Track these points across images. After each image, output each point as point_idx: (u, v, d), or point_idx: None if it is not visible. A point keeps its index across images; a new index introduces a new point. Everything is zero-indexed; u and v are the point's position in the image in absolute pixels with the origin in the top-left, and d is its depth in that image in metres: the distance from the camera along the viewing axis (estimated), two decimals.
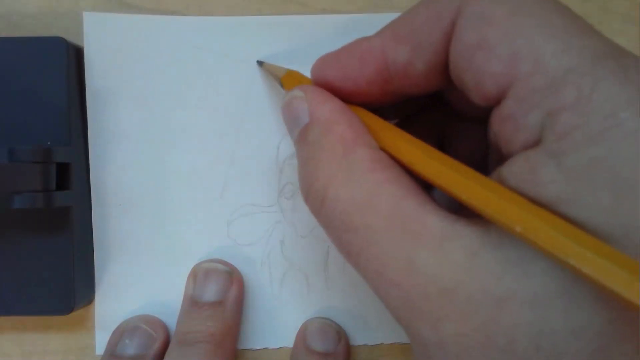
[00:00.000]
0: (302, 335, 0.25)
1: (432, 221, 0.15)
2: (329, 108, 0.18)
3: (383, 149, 0.17)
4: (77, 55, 0.25)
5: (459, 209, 0.16)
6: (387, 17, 0.25)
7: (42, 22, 0.26)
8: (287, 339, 0.26)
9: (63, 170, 0.24)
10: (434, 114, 0.22)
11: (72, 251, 0.24)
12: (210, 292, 0.24)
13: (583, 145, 0.13)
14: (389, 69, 0.18)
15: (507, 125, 0.15)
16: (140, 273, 0.26)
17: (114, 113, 0.25)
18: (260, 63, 0.25)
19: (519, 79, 0.15)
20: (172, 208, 0.26)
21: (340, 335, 0.25)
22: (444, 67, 0.17)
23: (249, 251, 0.26)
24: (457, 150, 0.22)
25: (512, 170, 0.15)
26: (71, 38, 0.25)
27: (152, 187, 0.25)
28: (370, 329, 0.26)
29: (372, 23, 0.25)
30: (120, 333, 0.25)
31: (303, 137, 0.19)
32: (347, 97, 0.19)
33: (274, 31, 0.25)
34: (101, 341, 0.25)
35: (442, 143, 0.22)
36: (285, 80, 0.22)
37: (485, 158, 0.20)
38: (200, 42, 0.25)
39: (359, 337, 0.26)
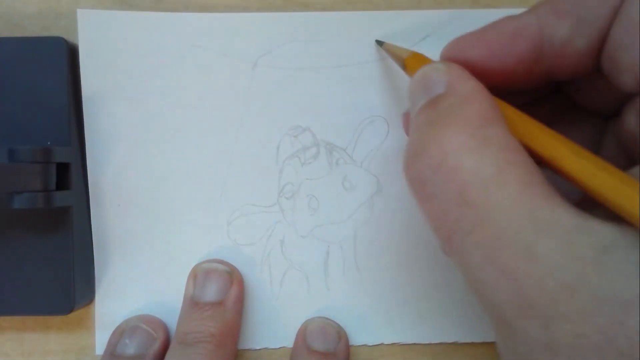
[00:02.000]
0: (302, 335, 0.25)
1: (563, 212, 0.14)
2: (472, 84, 0.17)
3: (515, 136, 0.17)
4: (76, 55, 0.25)
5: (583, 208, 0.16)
6: (388, 15, 0.25)
7: (42, 22, 0.26)
8: (287, 339, 0.26)
9: (63, 170, 0.24)
10: (547, 104, 0.21)
11: (72, 251, 0.24)
12: (211, 292, 0.24)
13: None
14: (543, 47, 0.17)
15: None
16: (140, 273, 0.26)
17: (110, 112, 0.25)
18: (380, 43, 0.24)
19: None
20: (172, 208, 0.25)
21: (340, 335, 0.25)
22: (601, 47, 0.16)
23: (249, 251, 0.26)
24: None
25: None
26: (71, 38, 0.25)
27: (152, 187, 0.25)
28: (370, 329, 0.26)
29: (373, 21, 0.25)
30: (120, 333, 0.25)
31: (432, 104, 0.17)
32: (487, 78, 0.18)
33: (275, 28, 0.25)
34: (101, 341, 0.25)
35: None
36: (409, 62, 0.21)
37: (598, 152, 0.19)
38: (199, 39, 0.25)
39: (359, 337, 0.26)
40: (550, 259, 0.14)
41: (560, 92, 0.21)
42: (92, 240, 0.25)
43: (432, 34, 0.25)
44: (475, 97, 0.17)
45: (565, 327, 0.14)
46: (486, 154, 0.15)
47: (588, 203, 0.16)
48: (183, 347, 0.23)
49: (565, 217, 0.14)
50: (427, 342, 0.26)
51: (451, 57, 0.19)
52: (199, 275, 0.25)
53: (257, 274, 0.26)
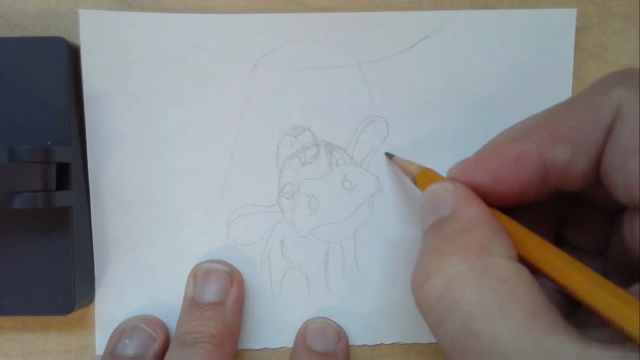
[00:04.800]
0: (302, 335, 0.25)
1: (566, 340, 0.15)
2: (475, 210, 0.18)
3: (523, 257, 0.17)
4: (76, 55, 0.25)
5: (587, 324, 0.16)
6: (388, 15, 0.25)
7: (42, 22, 0.26)
8: (287, 339, 0.26)
9: (63, 170, 0.24)
10: (557, 199, 0.21)
11: (72, 251, 0.24)
12: (211, 292, 0.24)
13: None
14: (547, 170, 0.18)
15: None
16: (140, 273, 0.26)
17: (111, 112, 0.25)
18: (389, 156, 0.25)
19: None
20: (172, 208, 0.25)
21: (340, 335, 0.25)
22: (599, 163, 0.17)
23: (249, 251, 0.26)
24: (577, 236, 0.21)
25: None
26: (71, 38, 0.25)
27: (152, 187, 0.25)
28: (370, 329, 0.26)
29: (373, 21, 0.25)
30: (120, 333, 0.25)
31: (437, 226, 0.18)
32: (495, 198, 0.19)
33: (275, 29, 0.25)
34: (101, 341, 0.25)
35: (560, 227, 0.22)
36: (420, 178, 0.22)
37: (606, 246, 0.20)
38: (199, 40, 0.25)
39: (359, 337, 0.26)
40: None
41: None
42: (92, 240, 0.25)
43: (432, 34, 0.25)
44: (477, 224, 0.17)
45: None
46: (486, 285, 0.16)
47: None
48: (183, 347, 0.23)
49: (570, 346, 0.15)
50: (427, 342, 0.26)
51: (459, 179, 0.19)
52: (199, 275, 0.25)
53: (257, 274, 0.26)
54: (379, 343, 0.26)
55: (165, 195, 0.25)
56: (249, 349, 0.26)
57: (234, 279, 0.25)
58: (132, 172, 0.25)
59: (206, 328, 0.23)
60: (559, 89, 0.26)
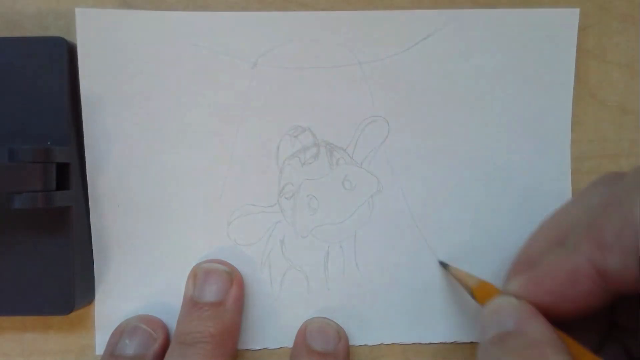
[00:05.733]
0: (302, 335, 0.25)
1: None
2: (540, 328, 0.18)
3: None
4: (76, 55, 0.25)
5: None
6: (388, 15, 0.25)
7: (42, 22, 0.26)
8: (287, 339, 0.26)
9: (63, 170, 0.24)
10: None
11: (72, 251, 0.24)
12: (210, 292, 0.24)
13: None
14: (602, 279, 0.18)
15: None
16: (140, 273, 0.26)
17: (109, 112, 0.25)
18: (444, 265, 0.25)
19: None
20: (172, 208, 0.25)
21: (340, 335, 0.25)
22: None
23: (249, 251, 0.26)
24: (629, 324, 0.21)
25: None
26: (70, 38, 0.25)
27: (151, 187, 0.25)
28: (370, 329, 0.26)
29: (373, 21, 0.25)
30: (120, 333, 0.25)
31: (501, 340, 0.19)
32: (558, 314, 0.19)
33: (275, 28, 0.25)
34: (101, 341, 0.25)
35: (612, 315, 0.22)
36: (478, 291, 0.22)
37: None
38: (198, 39, 0.25)
39: (359, 337, 0.26)
40: None
41: None
42: (92, 240, 0.25)
43: (432, 34, 0.25)
44: (542, 342, 0.18)
45: None
46: None
47: None
48: (183, 347, 0.23)
49: None
50: (427, 342, 0.26)
51: (519, 295, 0.20)
52: (198, 275, 0.25)
53: (257, 274, 0.26)
54: (379, 343, 0.26)
55: (165, 195, 0.25)
56: (249, 349, 0.26)
57: (233, 279, 0.25)
58: (131, 172, 0.25)
59: (206, 328, 0.23)
60: (560, 89, 0.26)
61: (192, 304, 0.24)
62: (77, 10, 0.24)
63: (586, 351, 0.18)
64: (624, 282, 0.18)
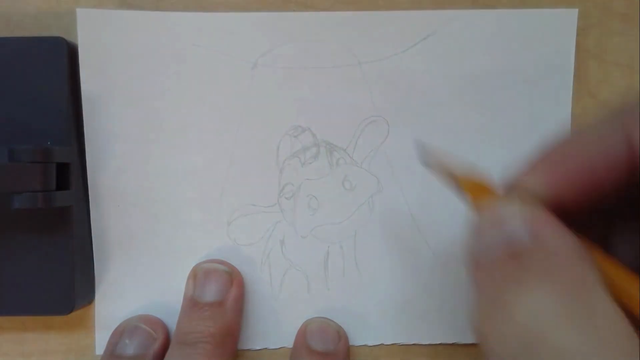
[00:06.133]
0: (302, 335, 0.25)
1: None
2: (563, 241, 0.16)
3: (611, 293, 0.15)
4: (76, 54, 0.25)
5: None
6: (388, 15, 0.25)
7: (42, 22, 0.26)
8: (287, 339, 0.26)
9: (63, 170, 0.24)
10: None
11: (72, 251, 0.24)
12: (211, 292, 0.24)
13: None
14: (635, 153, 0.16)
15: None
16: (140, 273, 0.26)
17: (110, 112, 0.25)
18: (420, 145, 0.21)
19: None
20: (172, 208, 0.25)
21: (340, 335, 0.25)
22: None
23: (249, 251, 0.26)
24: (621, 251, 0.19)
25: None
26: (71, 38, 0.25)
27: (151, 187, 0.25)
28: (370, 329, 0.26)
29: (373, 21, 0.25)
30: (120, 333, 0.25)
31: (515, 257, 0.16)
32: (576, 205, 0.17)
33: (275, 28, 0.25)
34: (101, 341, 0.25)
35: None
36: (469, 189, 0.18)
37: None
38: (198, 39, 0.25)
39: (359, 337, 0.26)
40: None
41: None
42: (92, 240, 0.25)
43: (432, 34, 0.25)
44: (571, 257, 0.15)
45: None
46: (589, 326, 0.14)
47: None
48: (183, 347, 0.23)
49: None
50: (427, 343, 0.26)
51: (534, 190, 0.17)
52: (198, 275, 0.25)
53: (257, 274, 0.26)
54: (379, 343, 0.26)
55: (165, 195, 0.25)
56: (249, 349, 0.26)
57: (233, 279, 0.25)
58: (131, 172, 0.25)
59: (206, 328, 0.23)
60: (559, 89, 0.26)
61: (192, 304, 0.24)
62: (78, 10, 0.25)
63: (615, 263, 0.16)
64: None
